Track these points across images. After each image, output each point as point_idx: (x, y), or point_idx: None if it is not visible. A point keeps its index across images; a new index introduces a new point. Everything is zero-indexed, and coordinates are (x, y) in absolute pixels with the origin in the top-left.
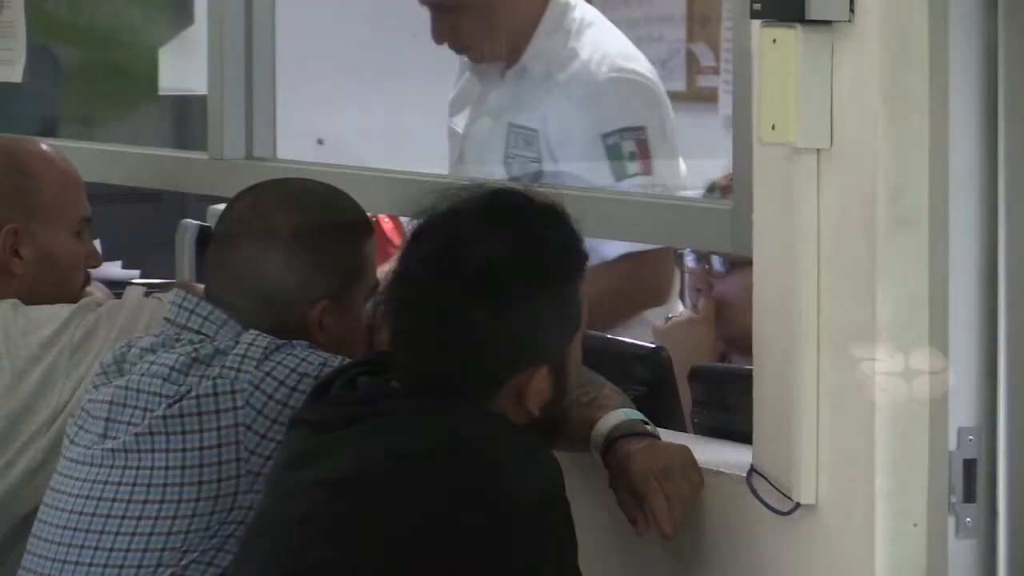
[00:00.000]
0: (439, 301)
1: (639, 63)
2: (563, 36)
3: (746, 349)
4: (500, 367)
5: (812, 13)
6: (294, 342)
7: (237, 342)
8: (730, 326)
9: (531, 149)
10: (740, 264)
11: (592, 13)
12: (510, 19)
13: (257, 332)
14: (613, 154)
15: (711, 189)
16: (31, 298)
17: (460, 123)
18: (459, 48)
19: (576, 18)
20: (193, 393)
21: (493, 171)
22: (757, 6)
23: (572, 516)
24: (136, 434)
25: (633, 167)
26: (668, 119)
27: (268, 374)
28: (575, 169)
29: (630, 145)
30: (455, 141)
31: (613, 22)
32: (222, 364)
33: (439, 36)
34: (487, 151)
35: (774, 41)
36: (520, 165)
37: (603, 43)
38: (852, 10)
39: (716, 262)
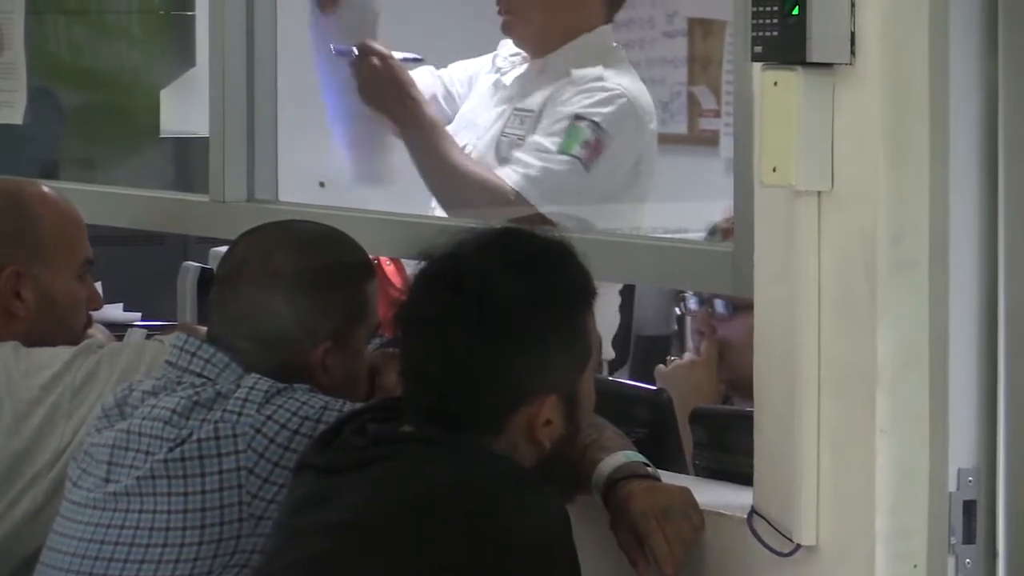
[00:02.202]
0: (442, 336)
1: (647, 103)
2: (593, 56)
3: (748, 392)
4: (506, 399)
5: (813, 56)
6: (295, 386)
7: (238, 386)
8: (732, 369)
9: (522, 127)
10: (743, 307)
11: (625, 57)
12: (563, 15)
13: (258, 376)
14: (571, 132)
15: (712, 232)
16: (33, 340)
17: (471, 108)
18: (505, 9)
19: (612, 52)
20: (195, 437)
21: (488, 147)
22: (758, 49)
23: (578, 559)
24: (138, 478)
25: (577, 149)
26: (641, 162)
27: (270, 418)
28: (539, 136)
29: (588, 135)
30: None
31: None
32: (223, 408)
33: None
34: (486, 134)
35: (775, 83)
36: (509, 143)
37: (631, 78)
38: (853, 53)
39: (719, 305)
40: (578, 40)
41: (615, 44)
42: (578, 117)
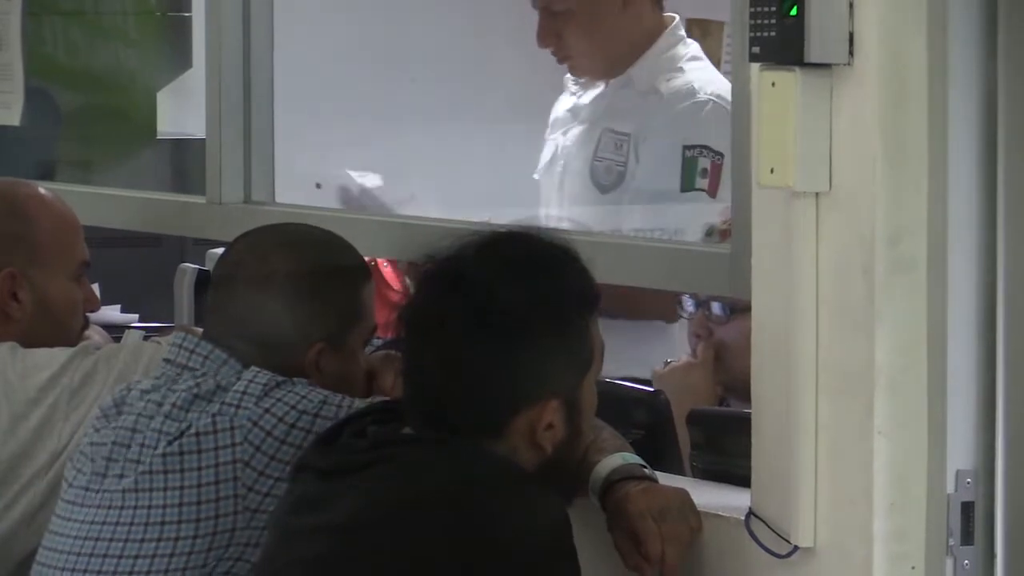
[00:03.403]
0: (442, 338)
1: None
2: (672, 58)
3: (745, 394)
4: (506, 403)
5: (811, 56)
6: (295, 380)
7: (239, 378)
8: (729, 371)
9: (619, 153)
10: (740, 310)
11: (699, 51)
12: (618, 37)
13: (258, 369)
14: (688, 165)
15: (710, 233)
16: (29, 342)
17: (558, 137)
18: (561, 56)
19: (687, 50)
20: (193, 430)
21: (580, 173)
22: (756, 49)
23: (577, 558)
24: (137, 474)
25: (702, 182)
26: None
27: (267, 411)
28: (651, 173)
29: (705, 163)
30: (550, 150)
31: None
32: (222, 400)
33: (544, 40)
34: (576, 157)
35: (773, 84)
36: (606, 168)
37: (708, 74)
38: (851, 53)
39: (716, 308)
40: (653, 48)
41: (683, 36)
42: (687, 148)
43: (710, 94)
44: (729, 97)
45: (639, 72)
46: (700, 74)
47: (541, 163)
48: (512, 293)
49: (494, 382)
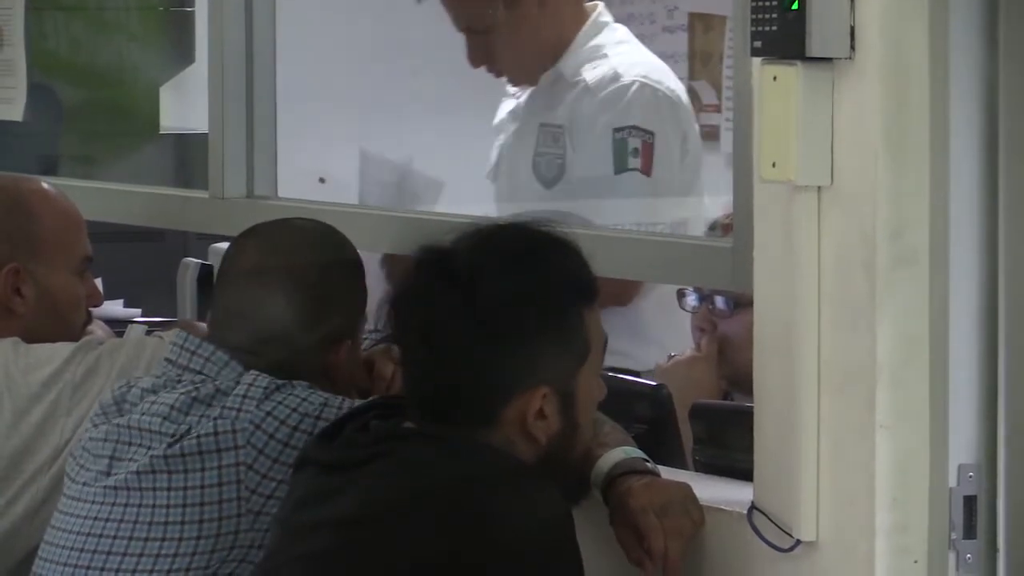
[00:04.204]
0: (429, 325)
1: (667, 78)
2: (597, 47)
3: (748, 389)
4: (494, 390)
5: (813, 51)
6: (294, 382)
7: (238, 382)
8: (732, 365)
9: (557, 145)
10: (743, 304)
11: (626, 33)
12: (542, 38)
13: (257, 372)
14: (619, 147)
15: (712, 227)
16: (32, 337)
17: (500, 140)
18: (495, 71)
19: (612, 35)
20: (193, 433)
21: (523, 171)
22: (758, 44)
23: (579, 552)
24: (137, 472)
25: (634, 161)
26: (688, 138)
27: (269, 413)
28: (587, 160)
29: (635, 142)
30: (495, 154)
31: None
32: (223, 404)
33: (474, 60)
34: (519, 155)
35: (775, 79)
36: (547, 163)
37: (635, 56)
38: (853, 47)
39: (719, 302)
40: (577, 40)
41: (608, 21)
42: (616, 131)
43: (635, 76)
44: (657, 76)
45: (566, 65)
46: (625, 57)
47: (488, 167)
48: (499, 282)
49: (482, 370)
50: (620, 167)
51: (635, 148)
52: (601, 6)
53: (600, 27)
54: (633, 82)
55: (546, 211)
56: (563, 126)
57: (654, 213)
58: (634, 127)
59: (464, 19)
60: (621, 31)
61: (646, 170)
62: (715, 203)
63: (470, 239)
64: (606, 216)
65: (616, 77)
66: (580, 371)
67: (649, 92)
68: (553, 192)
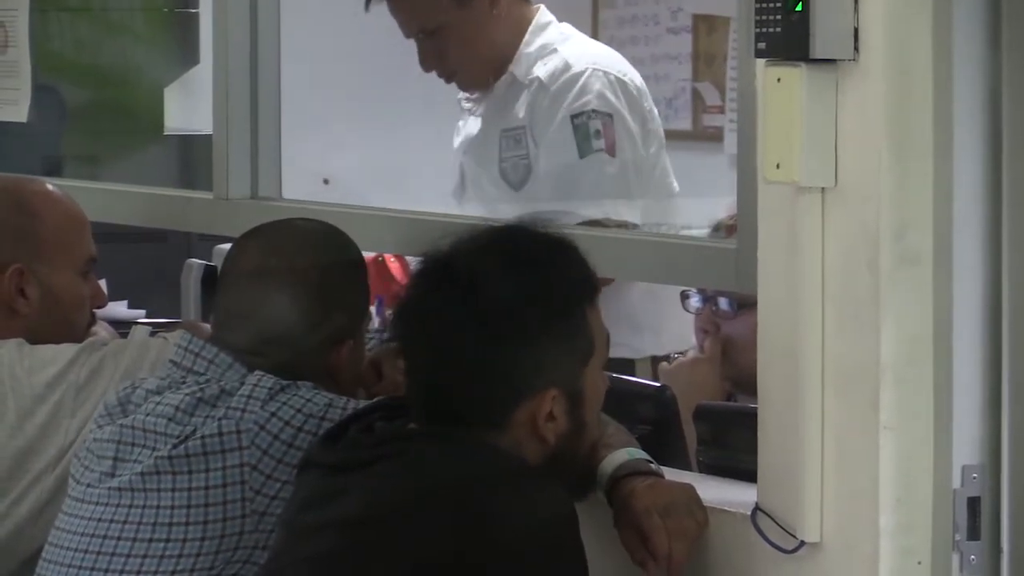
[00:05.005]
0: (435, 330)
1: (619, 63)
2: (545, 45)
3: (753, 390)
4: (504, 394)
5: (816, 52)
6: (298, 383)
7: (242, 383)
8: (736, 366)
9: (520, 147)
10: (747, 305)
11: (571, 29)
12: (493, 39)
13: (262, 373)
14: (580, 132)
15: (717, 228)
16: (36, 338)
17: (462, 159)
18: (446, 74)
19: (557, 31)
20: (198, 434)
21: (491, 180)
22: (762, 45)
23: (582, 552)
24: (141, 473)
25: (598, 143)
26: (647, 120)
27: (273, 414)
28: (551, 153)
29: (596, 124)
30: (458, 174)
31: None
32: (227, 405)
33: (426, 63)
34: (484, 166)
35: (778, 80)
36: (512, 167)
37: (584, 47)
38: (856, 49)
39: (723, 303)
40: (525, 39)
41: (551, 20)
42: (574, 117)
43: (586, 64)
44: (607, 62)
45: (518, 67)
46: (573, 49)
47: (453, 186)
48: (503, 284)
49: (490, 375)
50: (585, 151)
51: (596, 130)
52: (543, 8)
53: (544, 26)
54: (585, 69)
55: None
56: (523, 126)
57: (626, 197)
58: (592, 111)
59: (415, 22)
60: (566, 27)
61: (610, 150)
62: (719, 204)
63: (468, 243)
64: (576, 208)
65: (567, 67)
66: (586, 370)
67: (602, 77)
68: (523, 193)
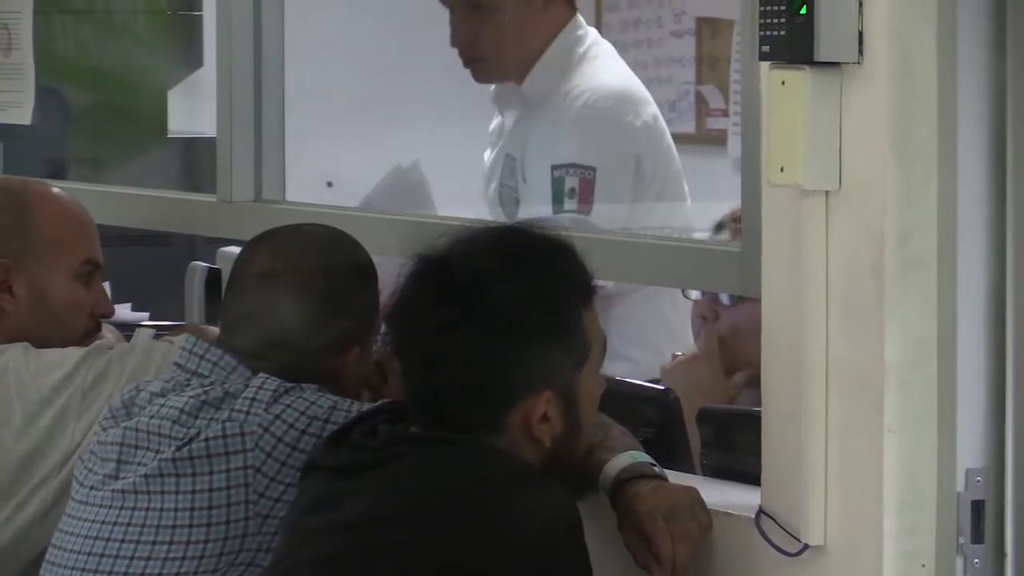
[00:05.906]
0: (427, 333)
1: (628, 101)
2: (562, 66)
3: (756, 379)
4: (499, 397)
5: (821, 55)
6: (303, 385)
7: (247, 385)
8: (736, 355)
9: (513, 179)
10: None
11: (602, 49)
12: (527, 35)
13: (266, 376)
14: (556, 187)
15: (719, 227)
16: (25, 337)
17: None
18: (472, 58)
19: (581, 51)
20: (202, 436)
21: (492, 201)
22: (766, 48)
23: (586, 553)
24: (145, 475)
25: (571, 204)
26: (643, 161)
27: (278, 417)
28: (533, 195)
29: (573, 181)
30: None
31: None
32: (231, 407)
33: (457, 37)
34: (490, 182)
35: (783, 83)
36: (507, 194)
37: (599, 77)
38: (861, 52)
39: (723, 297)
40: (546, 54)
41: (583, 33)
42: (555, 168)
43: (582, 104)
44: (612, 97)
45: (529, 86)
46: (585, 80)
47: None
48: (499, 285)
49: (483, 377)
50: (558, 208)
51: (572, 188)
52: (578, 16)
53: (574, 39)
54: (578, 112)
55: None
56: (516, 158)
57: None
58: (573, 165)
59: None
60: (594, 44)
61: (584, 210)
62: (722, 207)
63: (464, 244)
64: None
65: (564, 105)
66: (581, 372)
67: (592, 121)
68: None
